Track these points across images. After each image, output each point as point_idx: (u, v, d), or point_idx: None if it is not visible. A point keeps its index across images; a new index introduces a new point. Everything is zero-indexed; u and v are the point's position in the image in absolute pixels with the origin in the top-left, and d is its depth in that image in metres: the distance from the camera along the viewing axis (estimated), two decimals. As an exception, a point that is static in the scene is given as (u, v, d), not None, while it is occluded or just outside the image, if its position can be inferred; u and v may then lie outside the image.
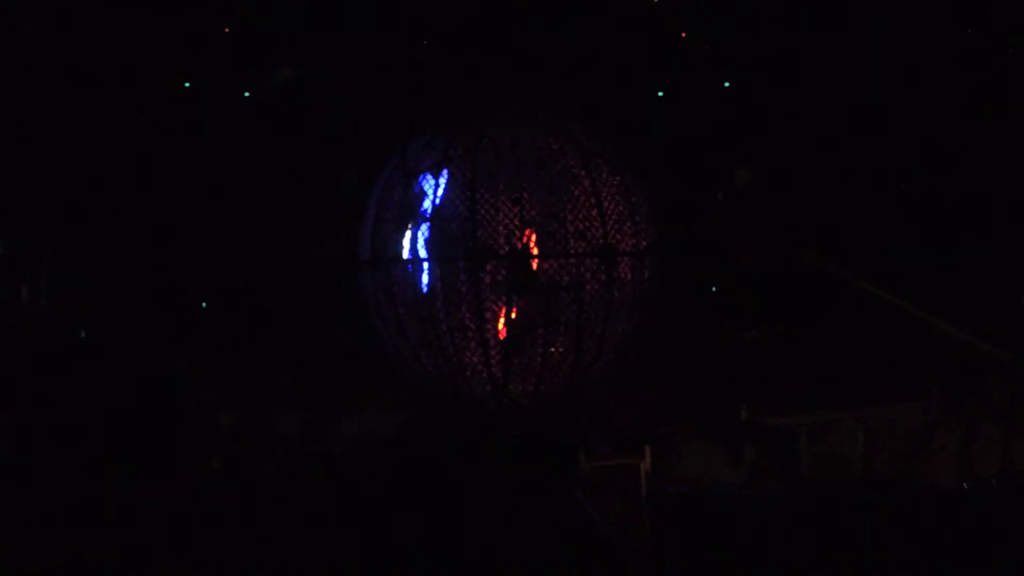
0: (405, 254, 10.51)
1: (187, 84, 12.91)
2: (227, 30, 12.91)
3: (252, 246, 12.79)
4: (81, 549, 8.63)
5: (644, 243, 10.59)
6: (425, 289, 10.37)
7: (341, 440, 10.74)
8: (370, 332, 11.19)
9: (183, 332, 12.26)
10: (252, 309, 12.58)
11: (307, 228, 12.62)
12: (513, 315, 10.18)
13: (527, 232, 10.18)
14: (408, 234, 10.53)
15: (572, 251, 10.20)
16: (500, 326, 10.23)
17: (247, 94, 13.08)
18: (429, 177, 10.45)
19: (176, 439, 10.26)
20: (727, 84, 12.89)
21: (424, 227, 10.43)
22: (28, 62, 12.26)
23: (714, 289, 12.93)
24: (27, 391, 10.69)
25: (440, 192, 10.33)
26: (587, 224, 10.28)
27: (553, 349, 10.39)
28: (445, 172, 10.34)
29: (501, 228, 10.24)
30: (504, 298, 10.14)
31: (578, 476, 8.96)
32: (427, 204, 10.41)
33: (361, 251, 10.94)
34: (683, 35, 12.86)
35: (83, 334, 12.26)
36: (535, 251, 10.15)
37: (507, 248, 10.18)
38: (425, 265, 10.41)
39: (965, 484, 9.96)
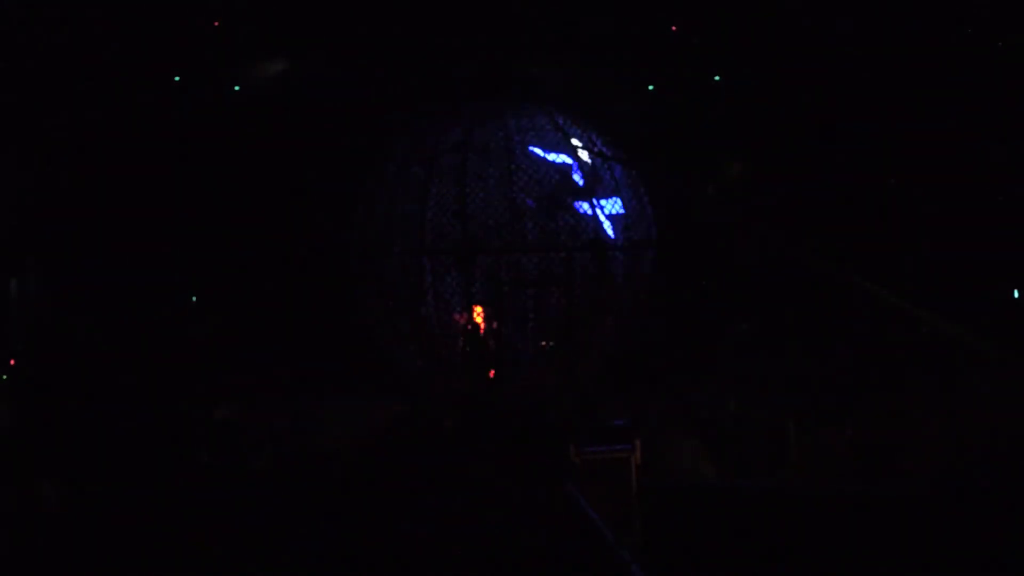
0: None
1: (176, 78, 12.88)
2: (216, 24, 12.89)
3: (242, 240, 12.76)
4: (78, 546, 8.63)
5: (635, 237, 10.63)
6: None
7: (330, 435, 10.74)
8: (360, 327, 11.21)
9: (173, 326, 12.27)
10: (241, 303, 12.59)
11: (296, 222, 12.61)
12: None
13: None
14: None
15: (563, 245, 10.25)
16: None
17: (236, 88, 13.06)
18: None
19: (167, 433, 10.25)
20: (716, 78, 12.92)
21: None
22: (19, 56, 12.22)
23: (704, 283, 12.96)
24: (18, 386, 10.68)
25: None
26: (577, 219, 10.33)
27: (544, 343, 10.43)
28: None
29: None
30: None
31: (569, 469, 8.99)
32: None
33: (353, 244, 10.94)
34: (673, 28, 12.87)
35: (73, 326, 12.23)
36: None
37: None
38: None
39: (952, 475, 10.02)
